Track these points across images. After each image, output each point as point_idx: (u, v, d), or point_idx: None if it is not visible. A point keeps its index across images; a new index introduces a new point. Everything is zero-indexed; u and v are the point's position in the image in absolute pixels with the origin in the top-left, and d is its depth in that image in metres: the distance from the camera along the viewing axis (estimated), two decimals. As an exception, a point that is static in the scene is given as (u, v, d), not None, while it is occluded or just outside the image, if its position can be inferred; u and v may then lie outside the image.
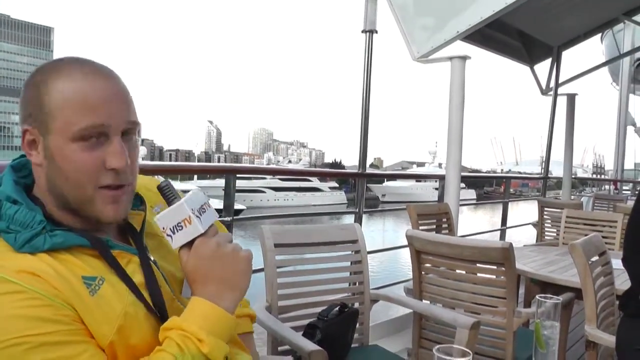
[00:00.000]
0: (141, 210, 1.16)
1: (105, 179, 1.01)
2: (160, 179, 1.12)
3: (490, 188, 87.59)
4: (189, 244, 1.03)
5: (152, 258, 1.11)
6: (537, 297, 1.44)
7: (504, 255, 2.27)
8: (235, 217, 3.09)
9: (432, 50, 4.65)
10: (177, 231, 1.02)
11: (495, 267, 2.33)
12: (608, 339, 2.21)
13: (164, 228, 1.03)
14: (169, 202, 1.04)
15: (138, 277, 1.05)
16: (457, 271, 2.43)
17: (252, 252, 1.10)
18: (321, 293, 2.42)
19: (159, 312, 1.04)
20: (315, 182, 62.82)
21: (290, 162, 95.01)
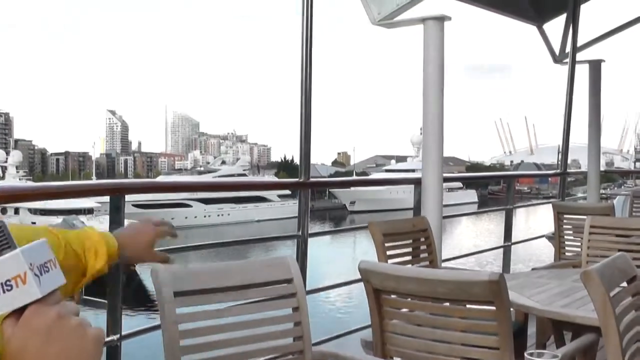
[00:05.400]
0: None
1: None
2: None
3: (496, 187, 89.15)
4: (18, 312, 0.98)
5: None
6: (525, 354, 1.44)
7: (493, 291, 2.26)
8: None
9: (399, 9, 4.64)
10: (6, 291, 0.96)
11: (482, 307, 2.33)
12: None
13: None
14: (1, 252, 0.98)
15: None
16: (432, 315, 2.42)
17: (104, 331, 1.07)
18: (244, 356, 2.38)
19: None
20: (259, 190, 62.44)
21: (224, 162, 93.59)
